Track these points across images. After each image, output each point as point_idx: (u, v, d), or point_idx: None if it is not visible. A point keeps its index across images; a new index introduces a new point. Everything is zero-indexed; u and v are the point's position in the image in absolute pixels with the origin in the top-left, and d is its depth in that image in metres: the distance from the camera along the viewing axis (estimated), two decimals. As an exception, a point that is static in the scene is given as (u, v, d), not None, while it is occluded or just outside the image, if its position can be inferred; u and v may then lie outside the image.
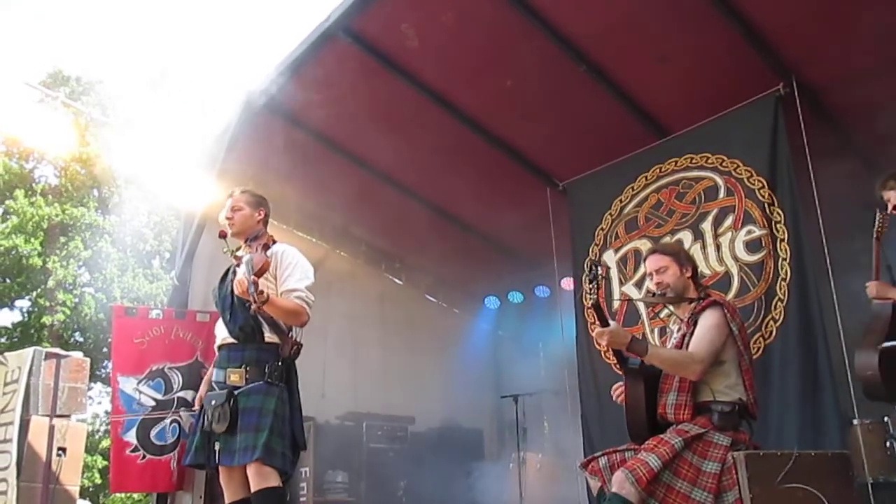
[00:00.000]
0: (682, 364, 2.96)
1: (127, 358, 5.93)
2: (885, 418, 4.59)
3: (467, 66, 5.20)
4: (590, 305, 2.92)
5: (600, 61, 5.07)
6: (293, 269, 3.36)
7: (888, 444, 4.52)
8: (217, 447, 3.20)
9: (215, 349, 3.48)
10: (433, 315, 7.78)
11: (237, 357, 3.30)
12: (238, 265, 3.30)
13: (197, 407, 3.52)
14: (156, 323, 6.10)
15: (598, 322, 2.99)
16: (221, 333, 3.43)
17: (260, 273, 3.15)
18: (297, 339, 3.33)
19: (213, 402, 3.21)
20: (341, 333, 6.66)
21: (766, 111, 4.93)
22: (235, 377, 3.25)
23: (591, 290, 2.89)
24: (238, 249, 3.43)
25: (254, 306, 3.00)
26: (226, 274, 3.53)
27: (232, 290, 3.34)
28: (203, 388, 3.53)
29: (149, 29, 26.38)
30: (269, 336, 3.30)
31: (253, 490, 3.15)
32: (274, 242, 3.43)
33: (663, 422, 3.03)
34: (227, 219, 3.50)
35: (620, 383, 3.27)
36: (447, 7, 4.70)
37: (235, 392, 3.20)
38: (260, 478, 3.12)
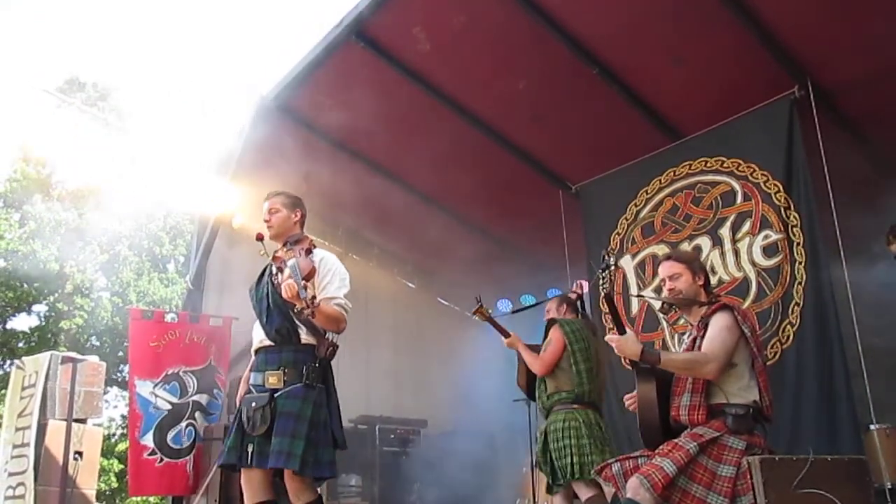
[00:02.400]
0: (696, 364, 2.95)
1: (143, 361, 5.98)
2: (903, 423, 4.55)
3: (479, 69, 5.21)
4: (603, 295, 2.91)
5: (613, 64, 5.06)
6: (332, 277, 3.38)
7: (906, 448, 4.48)
8: (250, 449, 3.21)
9: (252, 353, 3.50)
10: (445, 318, 7.78)
11: (274, 360, 3.31)
12: (280, 268, 3.31)
13: (238, 400, 3.51)
14: (171, 326, 6.15)
15: (610, 313, 2.98)
16: (258, 336, 3.44)
17: (308, 278, 3.18)
18: (334, 341, 3.36)
19: (254, 405, 3.22)
20: (354, 337, 6.63)
21: (780, 114, 4.91)
22: (274, 379, 3.25)
23: (604, 279, 2.88)
24: (278, 252, 3.45)
25: (306, 311, 3.00)
26: (261, 276, 3.53)
27: (268, 293, 3.37)
28: (242, 387, 3.54)
29: (158, 32, 26.58)
30: (306, 338, 3.32)
31: (294, 502, 3.19)
32: (315, 247, 3.45)
33: (676, 425, 3.01)
34: (265, 221, 3.52)
35: (632, 393, 3.26)
36: (458, 11, 4.72)
37: (275, 395, 3.22)
38: (303, 493, 3.18)
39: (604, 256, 2.93)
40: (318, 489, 3.40)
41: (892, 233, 4.48)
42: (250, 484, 3.28)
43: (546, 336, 4.38)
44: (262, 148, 5.72)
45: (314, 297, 3.04)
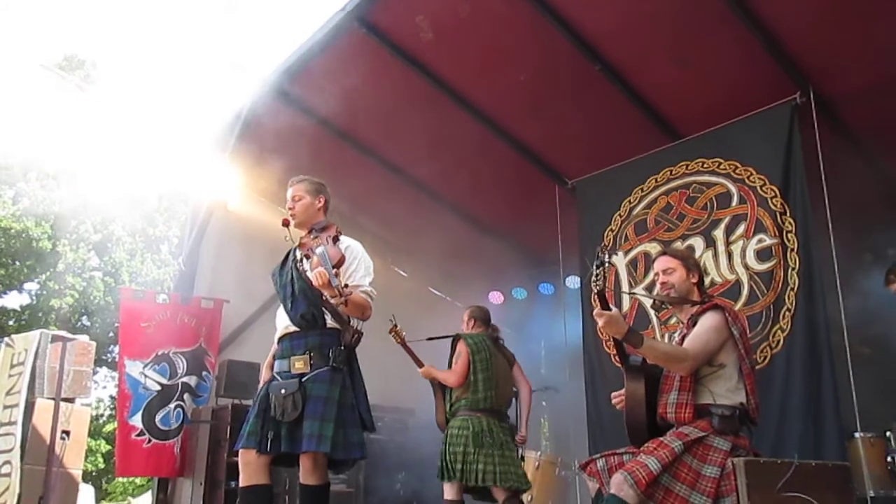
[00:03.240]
0: (673, 358, 2.96)
1: (134, 341, 5.96)
2: (888, 433, 4.59)
3: (481, 60, 5.19)
4: (596, 291, 2.89)
5: (616, 61, 5.06)
6: (358, 265, 3.43)
7: (889, 458, 4.52)
8: (270, 435, 3.24)
9: (275, 340, 3.53)
10: (436, 308, 7.76)
11: (300, 344, 3.36)
12: (306, 255, 3.35)
13: (263, 382, 3.55)
14: (162, 308, 6.13)
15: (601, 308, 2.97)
16: (282, 323, 3.48)
17: (338, 266, 3.20)
18: (358, 328, 3.42)
19: (283, 392, 3.24)
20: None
21: (781, 120, 4.90)
22: (300, 364, 3.30)
23: (597, 277, 2.86)
24: (302, 238, 3.49)
25: (337, 300, 3.04)
26: (285, 261, 3.57)
27: (292, 279, 3.40)
28: (266, 373, 3.58)
29: (159, 10, 26.42)
30: (331, 322, 3.37)
31: (303, 482, 3.27)
32: (340, 234, 3.48)
33: (663, 422, 3.02)
34: (289, 209, 3.55)
35: (620, 392, 3.27)
36: (462, 1, 4.69)
37: (303, 379, 3.27)
38: (315, 474, 3.25)
39: (598, 253, 2.91)
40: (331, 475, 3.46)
41: (893, 272, 4.62)
42: (249, 467, 3.30)
43: (453, 351, 4.80)
44: (260, 131, 5.70)
45: (346, 286, 3.07)
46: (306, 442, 3.16)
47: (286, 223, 3.45)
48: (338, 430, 3.19)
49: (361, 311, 3.35)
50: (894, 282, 4.63)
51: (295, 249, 3.49)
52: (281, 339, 3.47)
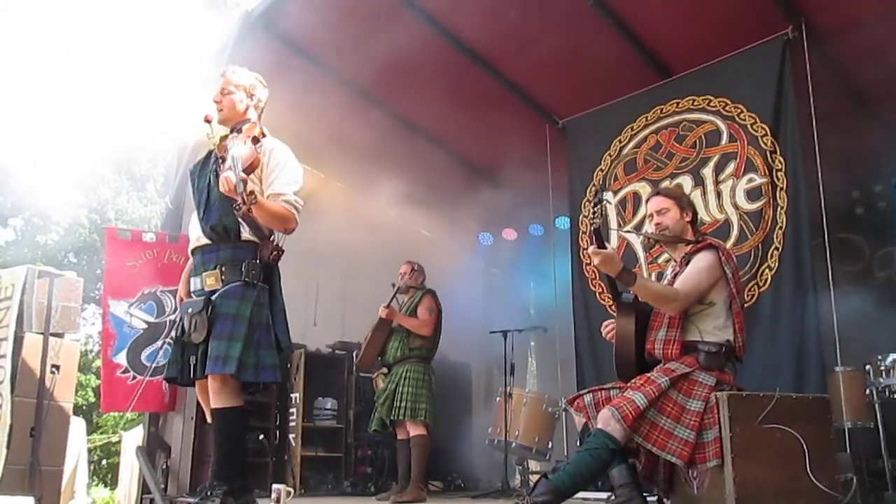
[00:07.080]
0: (663, 298, 3.00)
1: (118, 281, 5.91)
2: (867, 366, 4.69)
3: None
4: (591, 230, 2.89)
5: (608, -4, 4.95)
6: (281, 171, 3.03)
7: (867, 391, 4.64)
8: (192, 361, 2.97)
9: (189, 253, 3.24)
10: (425, 248, 7.76)
11: (211, 259, 3.05)
12: (223, 157, 2.94)
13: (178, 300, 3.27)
14: (149, 246, 6.07)
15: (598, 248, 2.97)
16: (195, 234, 3.17)
17: (249, 171, 2.86)
18: (279, 244, 3.07)
19: (191, 310, 2.96)
20: (332, 263, 6.67)
21: (773, 55, 4.85)
22: (211, 280, 3.00)
23: (594, 214, 2.86)
24: (225, 139, 3.06)
25: (242, 209, 2.69)
26: (205, 162, 3.22)
27: (209, 185, 3.08)
28: (181, 288, 3.28)
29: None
30: (247, 235, 3.03)
31: (213, 406, 2.95)
32: (264, 136, 3.08)
33: (650, 358, 3.07)
34: (216, 102, 3.14)
35: (611, 321, 3.30)
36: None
37: (213, 297, 2.96)
38: (223, 396, 2.91)
39: (597, 191, 2.92)
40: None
41: None
42: (204, 395, 3.05)
43: (419, 300, 5.25)
44: (245, 66, 5.56)
45: (252, 193, 2.72)
46: (211, 364, 2.85)
47: (208, 120, 3.03)
48: (247, 351, 2.88)
49: (283, 222, 2.96)
50: None
51: (216, 151, 3.08)
52: (193, 253, 3.17)
